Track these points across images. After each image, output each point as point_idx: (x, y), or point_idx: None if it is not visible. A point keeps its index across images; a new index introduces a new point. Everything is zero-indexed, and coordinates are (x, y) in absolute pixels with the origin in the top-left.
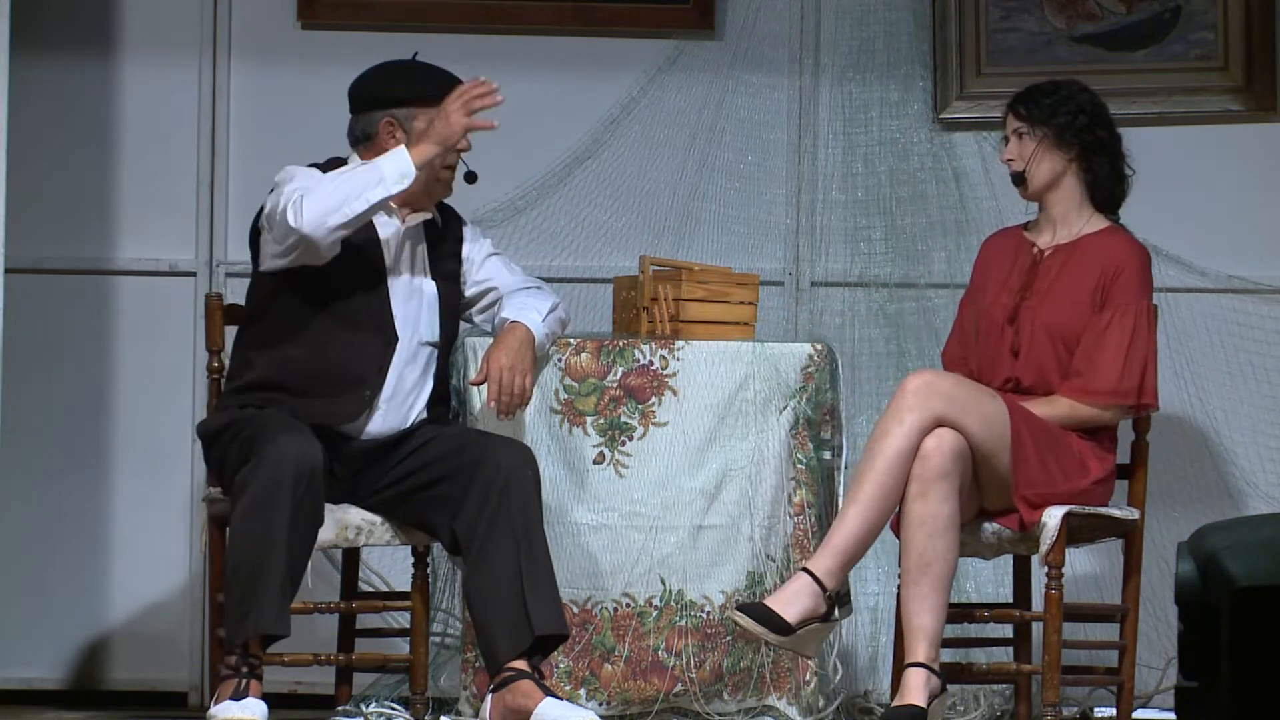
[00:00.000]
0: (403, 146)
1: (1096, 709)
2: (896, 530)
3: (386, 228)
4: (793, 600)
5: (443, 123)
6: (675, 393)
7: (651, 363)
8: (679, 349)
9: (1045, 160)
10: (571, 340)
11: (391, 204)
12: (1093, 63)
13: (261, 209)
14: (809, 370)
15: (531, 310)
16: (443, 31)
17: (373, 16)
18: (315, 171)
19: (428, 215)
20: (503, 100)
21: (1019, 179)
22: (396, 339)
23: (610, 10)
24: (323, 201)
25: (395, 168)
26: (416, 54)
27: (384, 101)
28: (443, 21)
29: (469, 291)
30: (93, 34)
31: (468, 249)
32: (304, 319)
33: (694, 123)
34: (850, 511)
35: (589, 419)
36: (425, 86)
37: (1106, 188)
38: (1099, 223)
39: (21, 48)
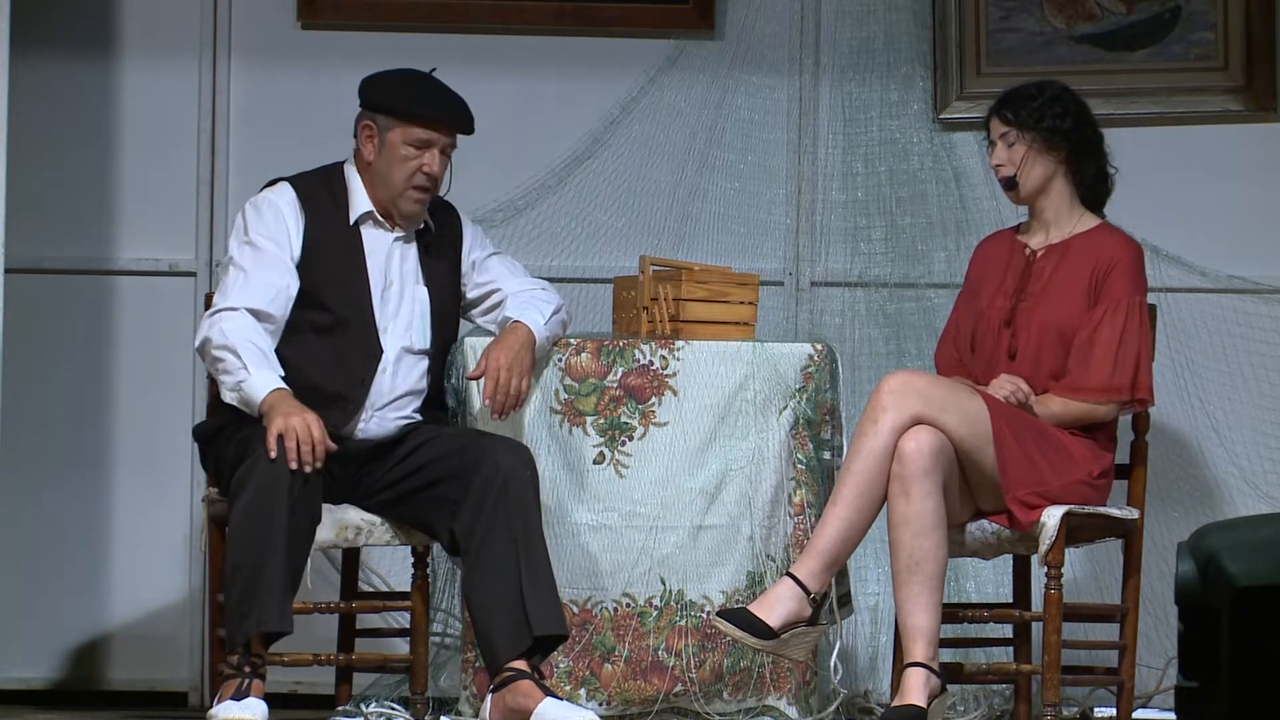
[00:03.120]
0: (283, 393)
1: (1096, 709)
2: None
3: (375, 240)
4: (775, 605)
5: (289, 432)
6: (675, 393)
7: (651, 363)
8: (679, 349)
9: (1036, 164)
10: (571, 340)
11: (378, 216)
12: (1093, 63)
13: None
14: (809, 370)
15: (534, 311)
16: (443, 31)
17: (373, 16)
18: (276, 232)
19: (418, 225)
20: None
21: (1010, 184)
22: (381, 352)
23: (610, 10)
24: (205, 355)
25: (251, 391)
26: (434, 69)
27: (371, 104)
28: (443, 21)
29: (471, 293)
30: (93, 34)
31: (468, 250)
32: (290, 332)
33: (694, 123)
34: (830, 514)
35: (589, 419)
36: (414, 102)
37: (1094, 186)
38: (1090, 221)
39: (21, 48)
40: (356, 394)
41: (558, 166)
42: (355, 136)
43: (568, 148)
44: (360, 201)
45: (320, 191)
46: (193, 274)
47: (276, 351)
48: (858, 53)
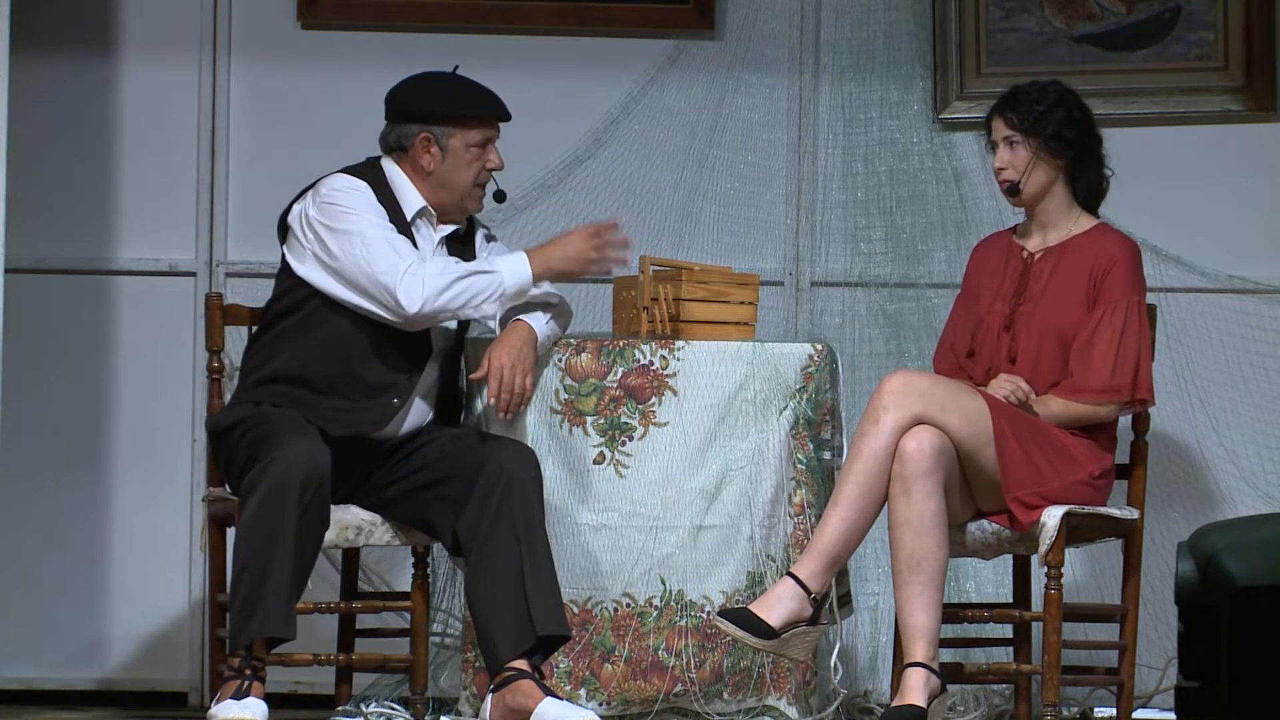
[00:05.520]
0: (523, 254)
1: (1096, 709)
2: None
3: (424, 238)
4: (776, 605)
5: (574, 255)
6: (675, 393)
7: (651, 363)
8: (679, 349)
9: (1039, 170)
10: (571, 340)
11: (430, 211)
12: (1093, 63)
13: (290, 207)
14: (809, 370)
15: (536, 309)
16: (443, 31)
17: (373, 16)
18: (379, 209)
19: (460, 225)
20: (628, 254)
21: (1013, 190)
22: (431, 349)
23: (610, 10)
24: (440, 299)
25: (515, 281)
26: (457, 67)
27: (421, 116)
28: (443, 21)
29: None
30: (93, 34)
31: (481, 246)
32: (340, 321)
33: (694, 123)
34: (831, 514)
35: (589, 419)
36: (465, 105)
37: (1093, 189)
38: (1087, 222)
39: (21, 48)
40: (404, 388)
41: (558, 166)
42: (396, 149)
43: (568, 148)
44: (412, 199)
45: (376, 184)
46: (193, 274)
47: (330, 337)
48: (858, 53)
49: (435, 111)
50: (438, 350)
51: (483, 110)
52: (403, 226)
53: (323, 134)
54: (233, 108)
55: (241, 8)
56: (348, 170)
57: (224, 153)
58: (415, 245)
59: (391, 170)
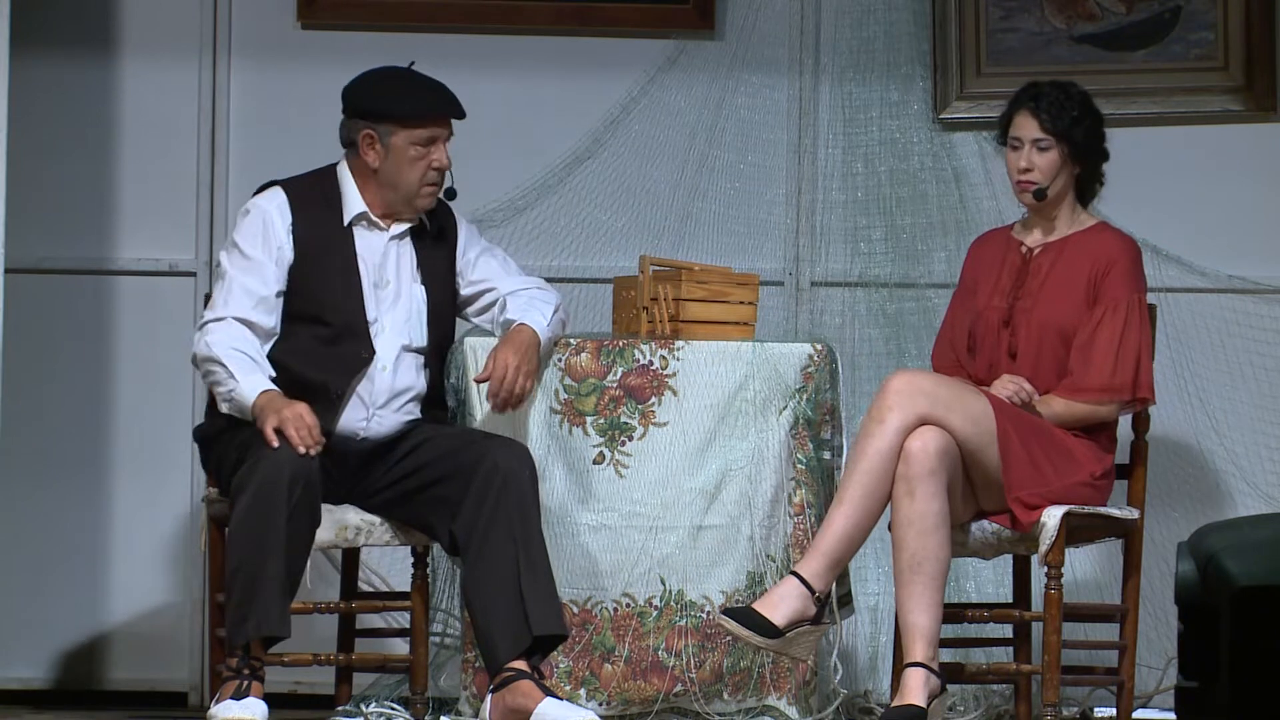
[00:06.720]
0: (268, 388)
1: (1096, 709)
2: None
3: (369, 241)
4: (780, 603)
5: (284, 420)
6: (675, 393)
7: (651, 363)
8: (679, 349)
9: (1062, 174)
10: (571, 340)
11: (373, 215)
12: (1093, 63)
13: None
14: (809, 370)
15: (536, 312)
16: (442, 31)
17: (373, 16)
18: (267, 239)
19: (413, 222)
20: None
21: (1040, 194)
22: (372, 353)
23: (610, 10)
24: (201, 365)
25: (241, 398)
26: (413, 63)
27: (365, 113)
28: (442, 21)
29: (465, 291)
30: (93, 34)
31: (462, 249)
32: (286, 332)
33: (694, 123)
34: (836, 513)
35: (589, 419)
36: (410, 104)
37: (1092, 188)
38: (1087, 220)
39: (21, 48)
40: (341, 387)
41: (558, 166)
42: (348, 145)
43: (568, 148)
44: (354, 203)
45: (312, 194)
46: (193, 274)
47: (277, 349)
48: (858, 53)
49: (378, 109)
50: (398, 348)
51: (426, 108)
52: (342, 232)
53: (323, 134)
54: (233, 108)
55: (241, 8)
56: (293, 178)
57: (224, 153)
58: (354, 250)
59: (343, 173)
